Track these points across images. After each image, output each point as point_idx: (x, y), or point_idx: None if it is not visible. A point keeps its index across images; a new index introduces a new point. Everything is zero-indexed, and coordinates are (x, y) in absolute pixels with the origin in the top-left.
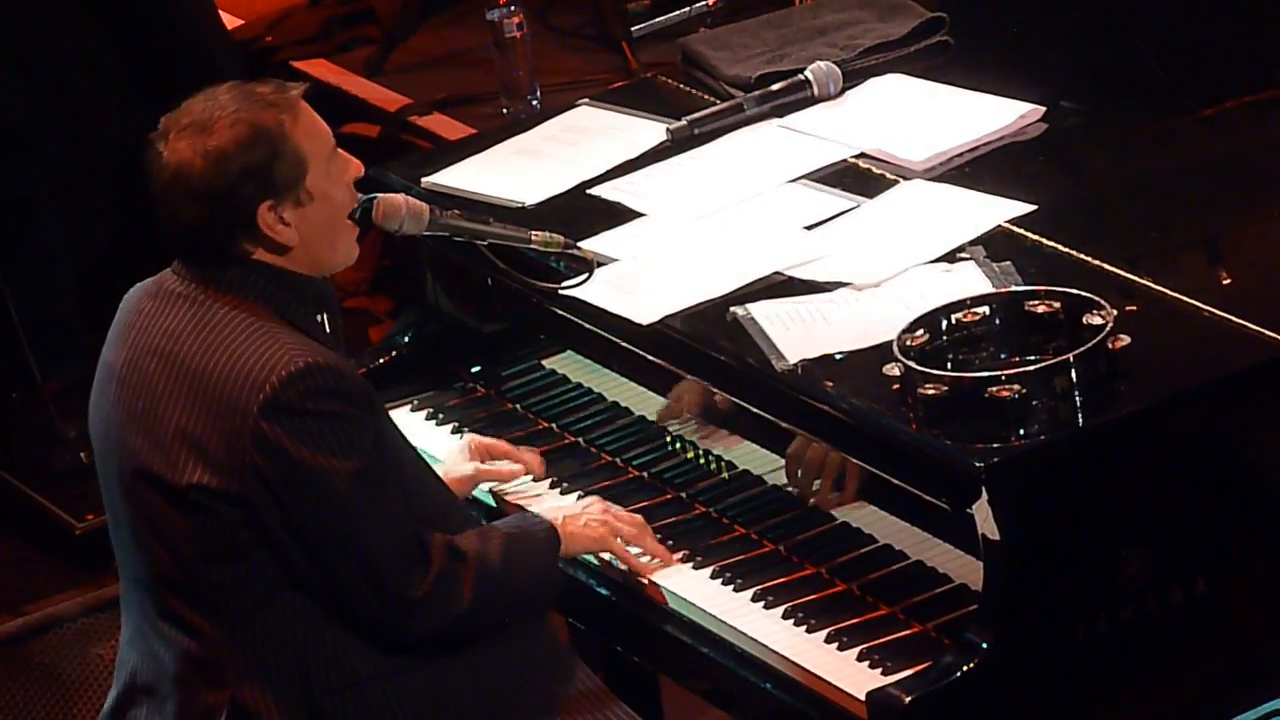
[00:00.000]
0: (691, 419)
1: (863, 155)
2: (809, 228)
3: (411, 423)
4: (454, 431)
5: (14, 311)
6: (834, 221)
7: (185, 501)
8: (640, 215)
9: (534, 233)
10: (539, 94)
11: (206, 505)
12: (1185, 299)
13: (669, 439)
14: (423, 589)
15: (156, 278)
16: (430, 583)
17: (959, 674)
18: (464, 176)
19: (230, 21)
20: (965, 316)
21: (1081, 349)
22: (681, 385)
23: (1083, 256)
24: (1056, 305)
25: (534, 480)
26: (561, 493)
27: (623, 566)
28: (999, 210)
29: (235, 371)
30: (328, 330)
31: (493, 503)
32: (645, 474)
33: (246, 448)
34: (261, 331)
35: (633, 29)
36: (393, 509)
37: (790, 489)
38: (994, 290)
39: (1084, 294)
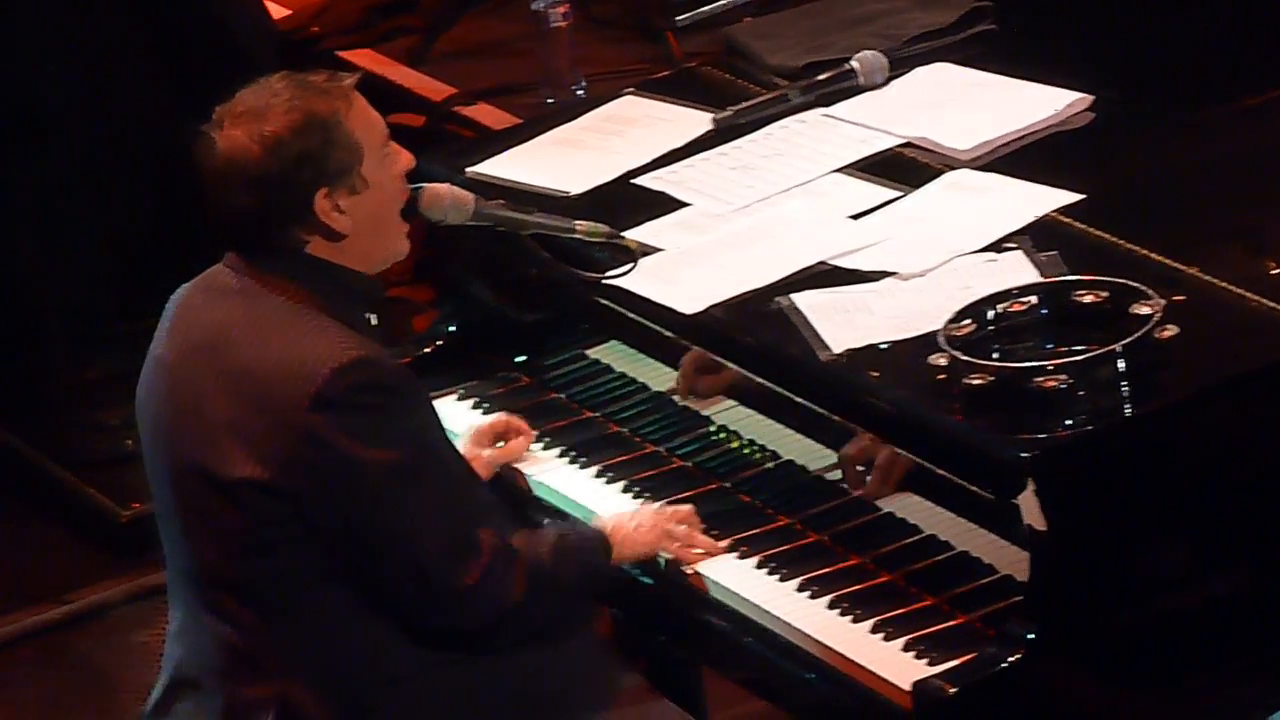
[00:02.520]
0: (734, 407)
1: (908, 144)
2: (854, 217)
3: (456, 412)
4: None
5: (54, 301)
6: (879, 211)
7: (234, 495)
8: (685, 205)
9: (578, 222)
10: (583, 84)
11: (254, 500)
12: (1233, 288)
13: (713, 429)
14: (472, 580)
15: (207, 272)
16: (480, 575)
17: (1004, 665)
18: (508, 166)
19: (276, 12)
20: (1011, 306)
21: (1128, 339)
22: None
23: (1130, 246)
24: (1103, 295)
25: (574, 467)
26: (606, 482)
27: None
28: (1045, 199)
29: (285, 366)
30: (375, 326)
31: (557, 504)
32: (689, 463)
33: (296, 441)
34: (311, 325)
35: (677, 19)
36: (440, 501)
37: (837, 478)
38: (1040, 280)
39: (1131, 283)
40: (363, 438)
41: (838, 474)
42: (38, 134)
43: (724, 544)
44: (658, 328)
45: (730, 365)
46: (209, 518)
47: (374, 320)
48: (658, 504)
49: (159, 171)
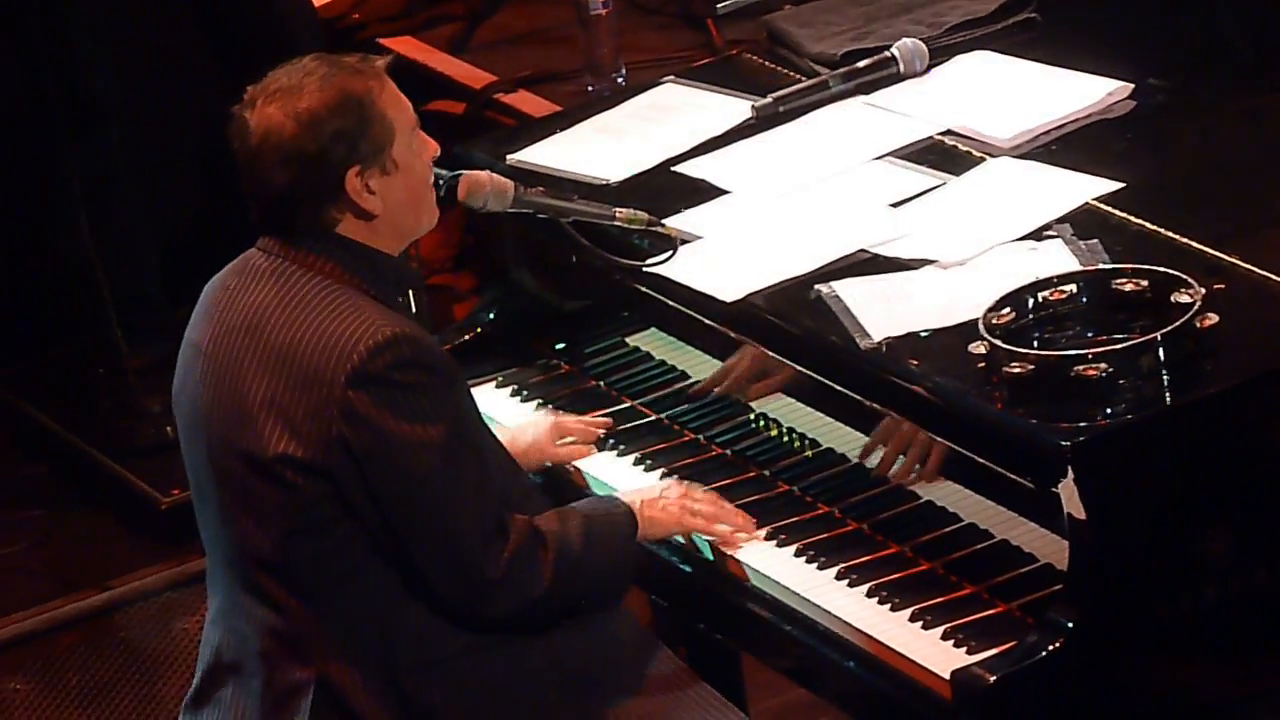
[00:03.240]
0: (773, 395)
1: (949, 132)
2: (894, 205)
3: (496, 399)
4: (538, 409)
5: (99, 289)
6: (920, 199)
7: (272, 474)
8: (725, 193)
9: (618, 210)
10: (624, 71)
11: (292, 478)
12: (1274, 277)
13: (752, 417)
14: (500, 567)
15: (242, 256)
16: (508, 561)
17: (1043, 653)
18: (548, 154)
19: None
20: (1052, 295)
21: (1169, 327)
22: (767, 360)
23: (1170, 234)
24: (1144, 283)
25: (612, 454)
26: (645, 470)
27: (708, 539)
28: (1086, 188)
29: (322, 343)
30: (412, 310)
31: (596, 492)
32: (728, 451)
33: (333, 418)
34: (347, 304)
35: (718, 6)
36: (473, 484)
37: (872, 466)
38: (1081, 268)
39: (1172, 272)
40: (400, 414)
41: (876, 461)
42: (87, 124)
43: (760, 533)
44: (698, 315)
45: (770, 353)
46: (249, 499)
47: (408, 301)
48: (680, 483)
49: (206, 161)
